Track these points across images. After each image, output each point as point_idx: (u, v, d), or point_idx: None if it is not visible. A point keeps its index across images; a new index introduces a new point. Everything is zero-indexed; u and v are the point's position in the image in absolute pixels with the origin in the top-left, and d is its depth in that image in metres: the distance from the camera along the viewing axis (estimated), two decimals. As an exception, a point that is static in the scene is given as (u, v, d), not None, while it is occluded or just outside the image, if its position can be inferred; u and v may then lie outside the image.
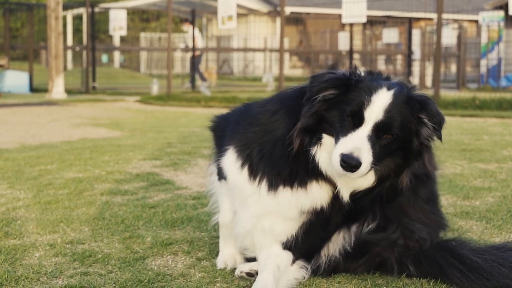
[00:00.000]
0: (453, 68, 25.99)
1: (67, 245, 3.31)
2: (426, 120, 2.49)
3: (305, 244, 2.76)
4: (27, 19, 21.31)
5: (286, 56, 31.78)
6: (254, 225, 2.76)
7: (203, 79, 21.05)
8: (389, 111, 2.44)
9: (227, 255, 3.01)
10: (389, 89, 2.49)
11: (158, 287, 2.74)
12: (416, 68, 23.52)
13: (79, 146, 7.01)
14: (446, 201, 4.23)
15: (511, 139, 7.34)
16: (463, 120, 10.35)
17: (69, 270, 2.94)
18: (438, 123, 2.50)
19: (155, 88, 17.08)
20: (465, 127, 8.97)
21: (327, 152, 2.53)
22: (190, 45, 20.93)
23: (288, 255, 2.76)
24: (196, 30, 22.26)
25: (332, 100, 2.50)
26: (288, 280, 2.72)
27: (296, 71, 32.82)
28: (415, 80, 23.17)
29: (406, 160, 2.54)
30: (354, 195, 2.62)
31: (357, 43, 27.04)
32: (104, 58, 33.24)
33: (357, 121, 2.45)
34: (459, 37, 22.20)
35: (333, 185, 2.61)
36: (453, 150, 6.42)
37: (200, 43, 21.64)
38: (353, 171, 2.38)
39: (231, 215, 2.94)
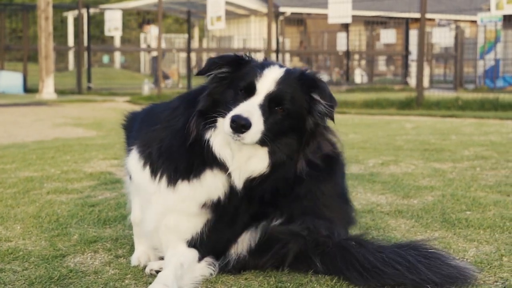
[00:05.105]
0: (453, 69, 25.89)
1: (-6, 243, 3.36)
2: (318, 98, 2.55)
3: (211, 242, 2.79)
4: (24, 20, 21.40)
5: (287, 56, 31.77)
6: (158, 224, 2.80)
7: (166, 77, 21.53)
8: (280, 83, 2.52)
9: (141, 253, 3.05)
10: (281, 67, 2.58)
11: (67, 284, 2.77)
12: (413, 68, 23.52)
13: (48, 145, 7.08)
14: (385, 200, 4.26)
15: (478, 139, 7.34)
16: (441, 120, 10.34)
17: (-14, 267, 2.98)
18: (330, 102, 2.55)
19: (146, 89, 17.16)
20: (438, 127, 8.97)
21: (222, 134, 2.56)
22: (152, 45, 21.22)
23: (193, 253, 2.79)
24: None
25: (225, 79, 2.57)
26: (194, 277, 2.75)
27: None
28: (412, 80, 23.16)
29: (300, 141, 2.58)
30: (249, 183, 2.64)
31: (357, 44, 27.04)
32: (105, 58, 33.38)
33: (249, 92, 2.51)
34: (456, 38, 22.15)
35: (227, 174, 2.64)
36: (415, 150, 6.43)
37: (163, 44, 21.88)
38: (242, 132, 2.40)
39: (141, 213, 2.98)
